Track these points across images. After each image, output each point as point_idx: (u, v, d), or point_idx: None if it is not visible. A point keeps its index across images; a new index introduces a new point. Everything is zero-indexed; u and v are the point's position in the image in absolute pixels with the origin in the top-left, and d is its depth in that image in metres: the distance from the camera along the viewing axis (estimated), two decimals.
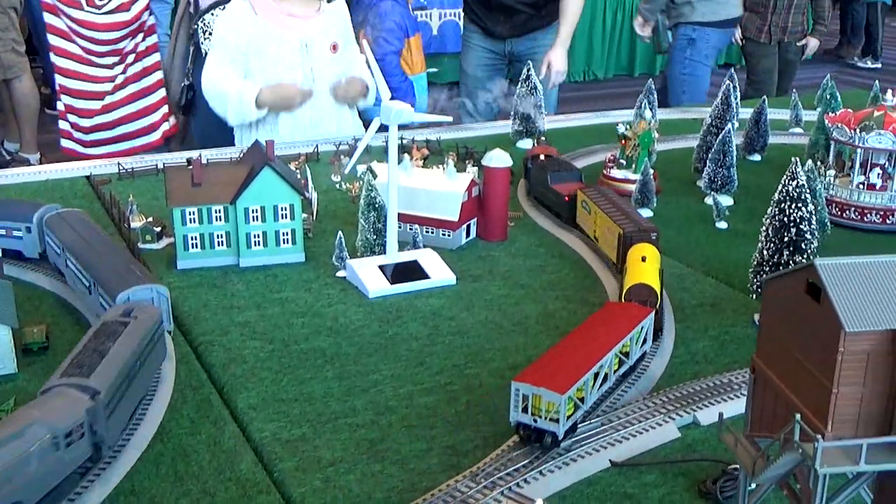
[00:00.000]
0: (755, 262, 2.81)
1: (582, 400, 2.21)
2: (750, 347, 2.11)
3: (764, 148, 4.59)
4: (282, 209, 3.20)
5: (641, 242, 2.97)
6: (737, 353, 2.68)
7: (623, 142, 4.10)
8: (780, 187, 2.73)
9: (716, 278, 3.20)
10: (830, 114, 3.94)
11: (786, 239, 2.71)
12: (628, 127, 4.08)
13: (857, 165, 3.66)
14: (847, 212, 3.68)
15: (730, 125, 3.90)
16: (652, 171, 4.00)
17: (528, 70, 4.67)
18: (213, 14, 5.20)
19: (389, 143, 3.06)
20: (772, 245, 2.74)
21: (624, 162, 4.09)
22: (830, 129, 3.74)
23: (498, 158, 3.45)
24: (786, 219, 2.70)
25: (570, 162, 4.16)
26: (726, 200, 3.89)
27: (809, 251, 2.72)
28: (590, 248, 3.38)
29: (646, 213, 3.78)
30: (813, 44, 8.71)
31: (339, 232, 3.19)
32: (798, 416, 1.34)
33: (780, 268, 2.73)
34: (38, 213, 3.12)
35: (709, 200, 3.84)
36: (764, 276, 2.77)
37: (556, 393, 2.08)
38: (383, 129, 3.07)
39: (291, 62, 4.73)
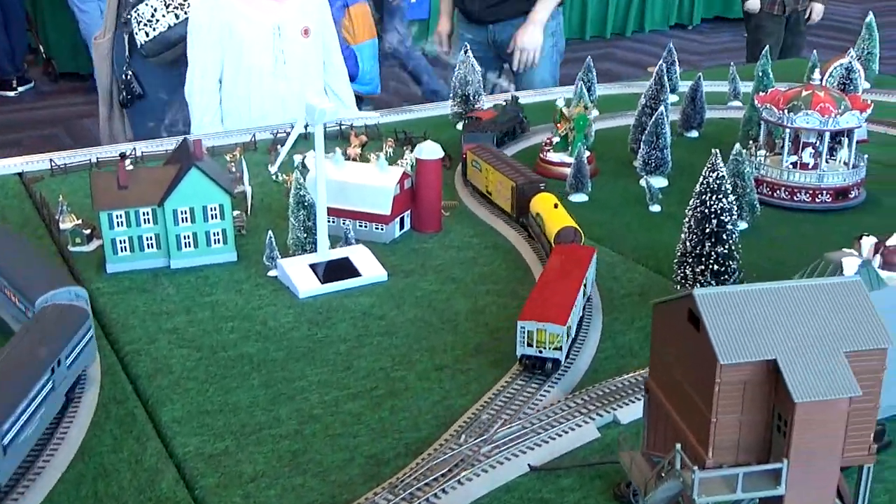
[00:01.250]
0: (679, 253, 2.84)
1: (569, 329, 2.54)
2: None
3: (701, 124, 4.62)
4: (211, 209, 3.18)
5: (536, 193, 3.38)
6: None
7: (558, 125, 4.10)
8: (701, 179, 2.75)
9: (646, 266, 3.24)
10: (761, 93, 3.96)
11: (707, 230, 2.74)
12: (564, 108, 4.08)
13: (787, 145, 3.69)
14: (778, 191, 3.72)
15: (662, 107, 3.91)
16: (588, 153, 4.02)
17: (466, 52, 4.66)
18: (146, 4, 5.12)
19: (316, 143, 3.04)
20: (694, 236, 2.77)
21: (558, 138, 4.09)
22: (760, 109, 3.77)
23: (429, 150, 3.44)
24: (707, 210, 2.73)
25: (492, 125, 4.30)
26: (660, 182, 3.92)
27: (731, 242, 2.76)
28: (522, 238, 3.40)
29: (580, 198, 3.80)
30: (819, 8, 8.54)
31: (270, 231, 3.18)
32: (678, 445, 1.37)
33: (703, 259, 2.76)
34: (41, 299, 2.49)
35: (643, 183, 3.86)
36: (687, 267, 2.80)
37: (559, 325, 2.46)
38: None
39: (262, 45, 4.76)
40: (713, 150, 2.76)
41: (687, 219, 2.80)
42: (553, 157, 4.11)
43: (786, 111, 3.63)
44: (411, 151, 4.13)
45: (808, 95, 3.63)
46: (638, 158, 3.95)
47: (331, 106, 2.97)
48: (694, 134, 4.63)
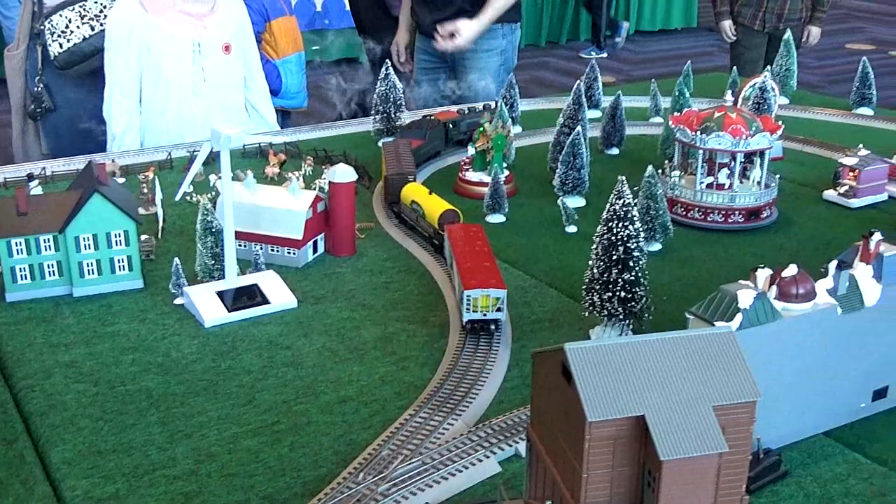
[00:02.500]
0: (587, 280, 2.84)
1: None
2: None
3: (621, 142, 4.64)
4: (115, 235, 3.10)
5: (406, 183, 3.71)
6: None
7: (478, 145, 4.09)
8: (607, 206, 2.75)
9: (558, 290, 3.23)
10: (676, 113, 3.99)
11: (614, 257, 2.74)
12: (488, 124, 4.07)
13: (700, 166, 3.72)
14: (691, 212, 3.75)
15: (580, 126, 3.92)
16: (505, 174, 4.02)
17: (387, 69, 4.62)
18: (60, 15, 4.99)
19: (222, 169, 2.99)
20: (601, 263, 2.77)
21: (473, 150, 4.08)
22: (674, 130, 3.80)
23: (342, 174, 3.40)
24: (613, 237, 2.73)
25: (437, 123, 4.52)
26: (578, 202, 3.92)
27: (638, 268, 2.76)
28: (435, 260, 3.38)
29: (497, 218, 3.79)
30: (815, 32, 8.40)
31: (176, 258, 3.11)
32: (549, 502, 1.35)
33: (610, 286, 2.76)
34: None
35: (560, 203, 3.86)
36: (594, 294, 2.80)
37: (501, 289, 2.80)
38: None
39: (181, 62, 4.69)
40: (619, 178, 2.76)
41: (594, 245, 2.80)
42: (471, 176, 4.09)
43: (698, 132, 3.66)
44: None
45: (721, 117, 3.67)
46: (555, 178, 3.95)
47: (236, 132, 2.92)
48: (614, 151, 4.66)
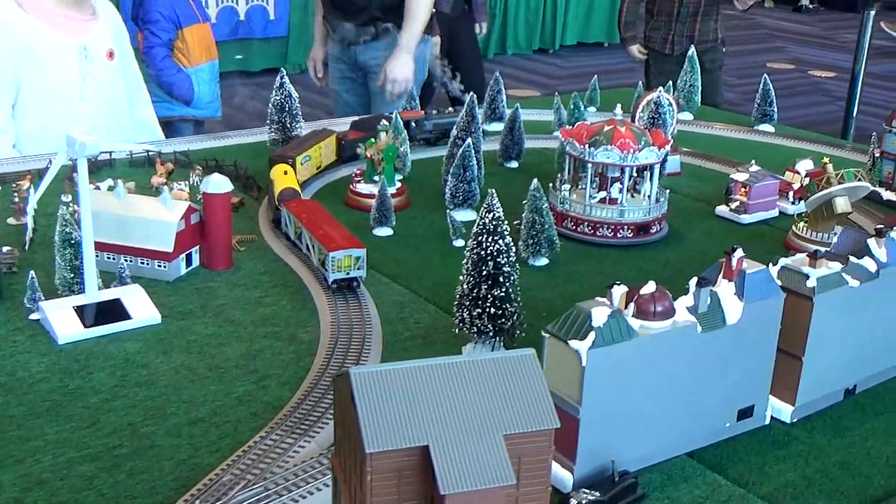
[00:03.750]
0: (458, 296, 2.75)
1: None
2: None
3: (520, 154, 4.59)
4: None
5: (280, 163, 3.83)
6: None
7: (368, 155, 4.00)
8: (477, 220, 2.67)
9: (437, 305, 3.14)
10: (568, 126, 3.95)
11: (484, 272, 2.66)
12: (370, 143, 3.98)
13: (589, 180, 3.67)
14: (581, 226, 3.70)
15: (470, 139, 3.85)
16: (396, 186, 3.94)
17: (282, 77, 4.50)
18: None
19: (80, 178, 2.85)
20: (471, 278, 2.69)
21: (376, 179, 3.98)
22: (564, 143, 3.75)
23: (216, 184, 3.28)
24: (483, 252, 2.65)
25: (383, 120, 4.41)
26: (468, 215, 3.85)
27: (508, 284, 2.68)
28: (312, 274, 3.26)
29: (385, 231, 3.70)
30: None
31: (32, 272, 2.95)
32: None
33: (480, 302, 2.68)
34: None
35: (448, 217, 3.78)
36: (465, 310, 2.72)
37: (361, 249, 3.07)
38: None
39: (67, 67, 4.54)
40: (490, 190, 2.68)
41: (465, 260, 2.71)
42: (362, 188, 3.99)
43: (587, 146, 3.61)
44: None
45: (610, 131, 3.63)
46: (446, 191, 3.87)
47: (92, 139, 2.78)
48: (514, 164, 4.60)
